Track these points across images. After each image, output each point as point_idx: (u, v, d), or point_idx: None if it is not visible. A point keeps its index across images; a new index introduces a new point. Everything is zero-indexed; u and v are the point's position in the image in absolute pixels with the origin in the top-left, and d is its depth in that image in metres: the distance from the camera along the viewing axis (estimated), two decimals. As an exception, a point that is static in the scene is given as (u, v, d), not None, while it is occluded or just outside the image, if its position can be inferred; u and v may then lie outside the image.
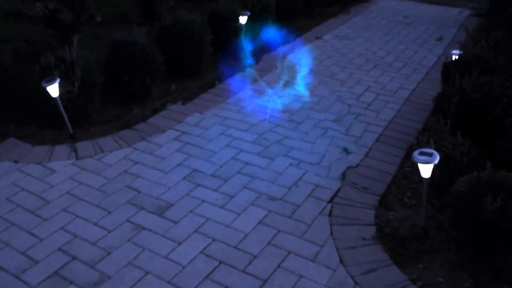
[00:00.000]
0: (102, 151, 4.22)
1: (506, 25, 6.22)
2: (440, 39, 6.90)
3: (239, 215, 3.37)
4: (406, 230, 3.19)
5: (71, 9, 5.14)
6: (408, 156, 4.05)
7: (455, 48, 6.50)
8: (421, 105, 4.96)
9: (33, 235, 3.22)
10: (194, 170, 3.92)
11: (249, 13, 6.29)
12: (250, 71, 5.93)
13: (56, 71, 4.34)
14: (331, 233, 3.17)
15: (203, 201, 3.53)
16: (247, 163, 3.99)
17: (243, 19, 6.27)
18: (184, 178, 3.81)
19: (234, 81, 5.69)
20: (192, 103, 5.14)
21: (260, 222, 3.29)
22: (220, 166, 3.96)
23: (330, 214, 3.35)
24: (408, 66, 5.99)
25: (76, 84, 4.49)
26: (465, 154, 3.06)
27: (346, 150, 3.97)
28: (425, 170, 2.82)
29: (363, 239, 3.09)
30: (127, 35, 5.04)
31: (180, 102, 5.16)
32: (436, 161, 2.77)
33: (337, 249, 3.02)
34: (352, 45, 6.79)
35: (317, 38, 7.16)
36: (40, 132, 4.51)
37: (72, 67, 4.50)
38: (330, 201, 3.50)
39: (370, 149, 4.14)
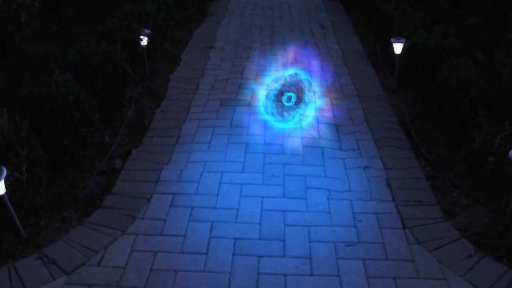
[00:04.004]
0: (94, 251, 3.12)
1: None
2: (322, 27, 7.12)
3: (339, 276, 2.89)
4: (490, 232, 3.20)
5: None
6: (418, 155, 4.09)
7: (343, 34, 6.87)
8: (374, 97, 5.02)
9: None
10: (235, 239, 3.20)
11: (149, 31, 5.41)
12: (174, 98, 5.16)
13: (-10, 157, 3.02)
14: (439, 261, 2.97)
15: (284, 275, 2.90)
16: (284, 211, 3.45)
17: (145, 40, 5.36)
18: (234, 253, 3.08)
19: (165, 114, 4.89)
20: (141, 151, 4.23)
21: (368, 276, 2.88)
22: (260, 225, 3.33)
23: (418, 241, 3.16)
24: (325, 63, 5.98)
25: (24, 169, 3.19)
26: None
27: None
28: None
29: (470, 256, 3.01)
30: (49, 84, 3.78)
31: (130, 155, 4.19)
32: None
33: (460, 276, 2.87)
34: (254, 49, 6.46)
35: (209, 47, 6.63)
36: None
37: (11, 146, 3.17)
38: (404, 227, 3.30)
39: (381, 158, 4.07)
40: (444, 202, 3.50)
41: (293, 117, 4.26)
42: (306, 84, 4.29)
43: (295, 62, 5.97)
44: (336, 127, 4.51)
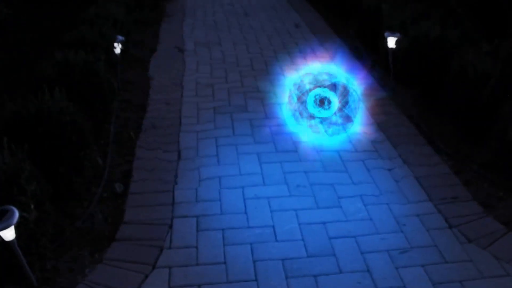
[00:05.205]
0: (126, 293, 2.73)
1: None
2: (297, 26, 6.91)
3: (404, 287, 2.75)
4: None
5: None
6: (437, 150, 4.01)
7: (319, 31, 6.71)
8: (373, 95, 4.81)
9: None
10: (283, 260, 2.91)
11: (123, 38, 4.93)
12: (159, 109, 4.74)
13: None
14: (496, 258, 2.86)
15: (349, 293, 2.72)
16: (324, 223, 3.21)
17: (118, 48, 4.88)
18: (287, 276, 2.79)
19: (154, 127, 4.47)
20: (141, 171, 3.80)
21: (434, 282, 2.69)
22: (303, 241, 3.06)
23: (469, 240, 3.05)
24: (310, 62, 5.75)
25: (32, 207, 2.70)
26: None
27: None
28: None
29: (525, 249, 2.98)
30: (37, 103, 3.26)
31: (130, 176, 3.75)
32: None
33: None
34: (229, 50, 6.17)
35: (179, 50, 6.22)
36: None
37: (15, 181, 2.65)
38: (450, 226, 3.18)
39: (401, 157, 3.93)
40: (479, 196, 3.43)
41: (333, 127, 3.74)
42: (343, 83, 3.80)
43: (276, 63, 5.77)
44: (344, 127, 4.35)
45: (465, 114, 3.88)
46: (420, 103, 4.58)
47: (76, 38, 4.60)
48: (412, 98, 4.65)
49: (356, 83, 3.94)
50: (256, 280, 2.78)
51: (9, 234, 2.54)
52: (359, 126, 4.28)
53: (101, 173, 3.83)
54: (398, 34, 4.69)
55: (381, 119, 4.44)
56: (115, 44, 4.81)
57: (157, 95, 5.14)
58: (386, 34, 4.74)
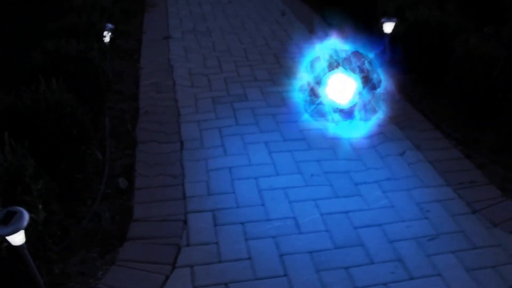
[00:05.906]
0: (150, 297, 2.53)
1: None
2: (283, 13, 6.75)
3: (440, 275, 2.61)
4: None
5: None
6: (446, 137, 3.95)
7: (307, 19, 6.59)
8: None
9: None
10: (310, 253, 2.77)
11: (113, 26, 4.65)
12: (154, 100, 4.50)
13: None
14: (526, 243, 2.89)
15: (384, 284, 2.56)
16: (346, 213, 3.09)
17: (108, 36, 4.60)
18: (317, 270, 2.66)
19: (151, 117, 4.24)
20: (144, 164, 3.59)
21: (468, 269, 2.64)
22: (328, 232, 2.94)
23: (494, 224, 3.00)
24: (304, 49, 5.58)
25: (40, 206, 2.45)
26: None
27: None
28: None
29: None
30: (33, 95, 2.99)
31: (133, 170, 3.54)
32: None
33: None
34: (219, 39, 5.96)
35: (165, 37, 5.96)
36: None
37: (19, 180, 2.39)
38: (473, 211, 3.12)
39: (410, 141, 3.84)
40: (495, 180, 3.40)
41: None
42: (360, 68, 3.63)
43: (269, 51, 5.60)
44: (349, 114, 4.25)
45: (471, 98, 3.83)
46: (420, 88, 4.53)
47: (64, 27, 4.30)
48: (411, 84, 4.60)
49: (368, 68, 3.82)
50: (286, 275, 2.65)
51: (18, 238, 2.31)
52: (365, 112, 4.21)
53: (101, 168, 3.61)
54: (394, 19, 4.63)
55: (384, 105, 4.35)
56: (105, 33, 4.55)
57: (149, 85, 4.88)
58: (382, 19, 4.66)
